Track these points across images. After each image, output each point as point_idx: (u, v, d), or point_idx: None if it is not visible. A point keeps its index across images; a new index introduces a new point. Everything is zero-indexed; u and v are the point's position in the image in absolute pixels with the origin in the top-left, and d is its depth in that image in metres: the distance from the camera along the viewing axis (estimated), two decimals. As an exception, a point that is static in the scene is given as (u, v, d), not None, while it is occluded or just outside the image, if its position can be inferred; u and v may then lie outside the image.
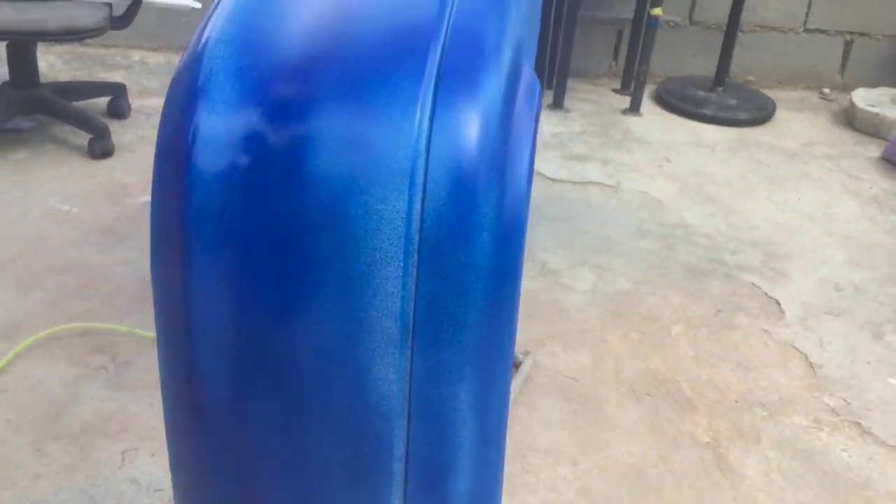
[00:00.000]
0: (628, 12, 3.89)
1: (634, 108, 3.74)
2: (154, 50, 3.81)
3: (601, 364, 2.19)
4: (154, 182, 0.99)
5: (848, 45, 4.12)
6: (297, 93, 0.92)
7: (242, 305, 0.96)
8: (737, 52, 3.97)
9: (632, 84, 3.77)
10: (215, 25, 1.00)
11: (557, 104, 3.71)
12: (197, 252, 0.94)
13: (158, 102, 3.34)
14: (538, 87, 0.99)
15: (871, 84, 4.03)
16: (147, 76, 3.58)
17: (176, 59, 3.75)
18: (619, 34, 4.02)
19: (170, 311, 1.00)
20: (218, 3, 1.06)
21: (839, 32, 4.09)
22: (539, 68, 2.58)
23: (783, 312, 2.46)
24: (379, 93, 0.90)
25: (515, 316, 0.98)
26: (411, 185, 0.89)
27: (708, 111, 3.74)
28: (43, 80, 3.00)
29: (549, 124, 3.56)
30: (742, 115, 3.74)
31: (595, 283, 2.53)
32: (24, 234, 2.44)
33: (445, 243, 0.90)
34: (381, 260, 0.91)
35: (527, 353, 2.18)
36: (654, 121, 3.70)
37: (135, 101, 3.25)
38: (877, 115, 3.68)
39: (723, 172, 3.29)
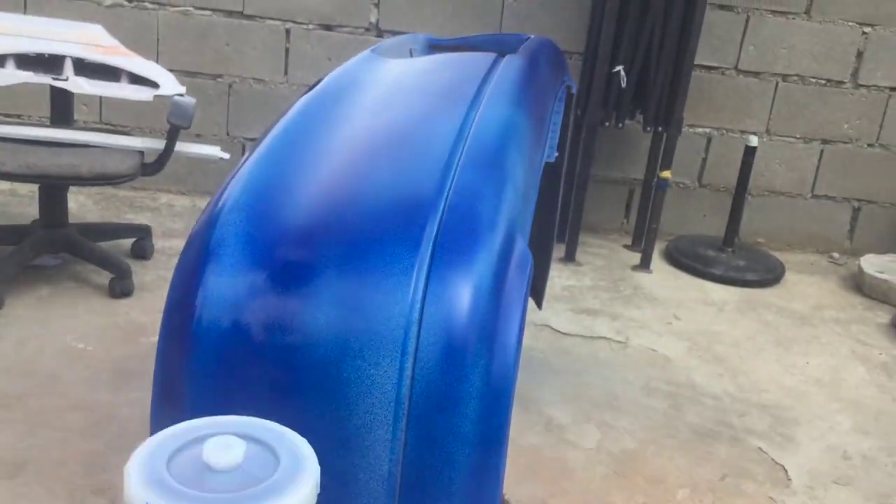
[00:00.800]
0: (639, 173, 4.02)
1: (645, 265, 3.81)
2: (182, 193, 3.96)
3: (603, 526, 2.15)
4: (161, 335, 1.04)
5: (856, 212, 4.22)
6: (300, 261, 0.98)
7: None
8: (746, 214, 4.08)
9: (642, 241, 3.86)
10: (231, 193, 1.07)
11: (569, 258, 3.79)
12: (198, 404, 0.98)
13: (181, 245, 3.45)
14: (530, 260, 1.05)
15: (880, 250, 4.09)
16: (173, 218, 3.71)
17: (202, 203, 3.90)
18: (631, 193, 4.15)
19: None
20: (236, 171, 1.14)
21: (846, 199, 4.19)
22: (549, 224, 2.67)
23: (790, 480, 2.43)
24: (376, 263, 0.96)
25: (501, 481, 1.00)
26: (403, 353, 0.93)
27: (717, 271, 3.80)
28: (71, 219, 3.12)
29: (561, 277, 3.63)
30: (751, 276, 3.79)
31: (601, 440, 2.52)
32: (38, 371, 2.48)
33: (434, 410, 0.93)
34: (371, 423, 0.94)
35: (528, 512, 2.15)
36: (663, 278, 3.76)
37: (159, 242, 3.36)
38: (885, 281, 3.73)
39: (731, 332, 3.31)
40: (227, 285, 0.98)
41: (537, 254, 2.72)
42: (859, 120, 4.06)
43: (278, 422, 0.97)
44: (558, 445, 2.47)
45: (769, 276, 3.83)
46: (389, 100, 1.26)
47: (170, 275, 2.94)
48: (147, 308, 2.92)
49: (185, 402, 1.00)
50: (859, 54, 3.96)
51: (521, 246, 1.04)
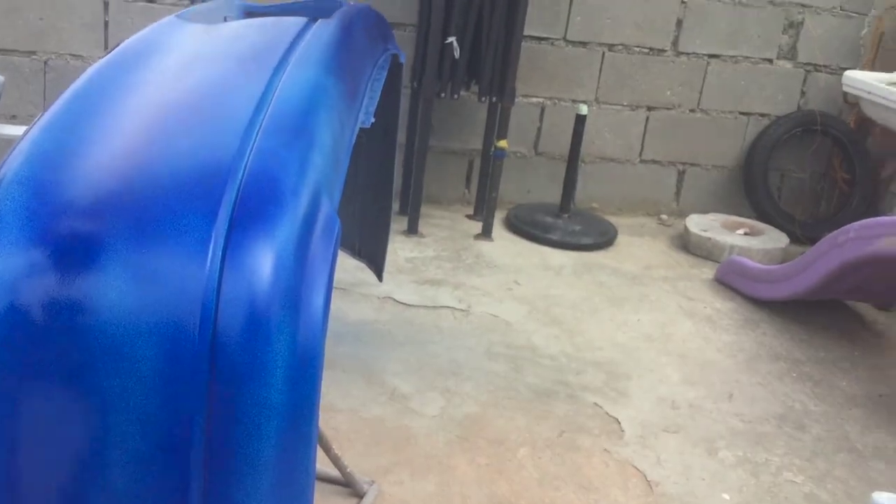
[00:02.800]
0: (478, 143, 4.07)
1: (486, 234, 3.87)
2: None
3: (448, 491, 2.19)
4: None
5: (681, 175, 4.43)
6: (86, 234, 0.93)
7: (31, 454, 0.93)
8: (580, 180, 4.21)
9: (483, 210, 3.92)
10: (11, 165, 1.00)
11: (412, 230, 3.80)
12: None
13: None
14: (336, 225, 1.03)
15: (704, 210, 4.32)
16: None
17: None
18: (471, 163, 4.20)
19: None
20: (17, 143, 1.06)
21: (671, 163, 4.39)
22: (385, 194, 2.65)
23: (623, 431, 2.54)
24: (170, 233, 0.92)
25: (313, 453, 0.99)
26: (202, 326, 0.90)
27: (554, 236, 3.91)
28: None
29: (404, 250, 3.64)
30: (586, 240, 3.93)
31: (444, 406, 2.55)
32: None
33: (238, 382, 0.91)
34: (172, 399, 0.91)
35: (371, 482, 2.16)
36: (504, 245, 3.84)
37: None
38: (709, 239, 3.94)
39: (568, 295, 3.42)
40: (7, 264, 0.92)
41: (373, 225, 2.70)
42: (681, 87, 4.26)
43: (71, 410, 0.92)
44: (402, 415, 2.49)
45: (603, 239, 3.98)
46: (190, 66, 1.21)
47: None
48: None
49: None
50: (679, 23, 4.14)
51: (327, 210, 1.03)
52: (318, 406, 0.96)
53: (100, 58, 1.31)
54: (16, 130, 2.87)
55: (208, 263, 0.91)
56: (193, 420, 0.90)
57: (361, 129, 2.53)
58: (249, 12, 1.88)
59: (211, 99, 1.11)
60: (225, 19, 1.77)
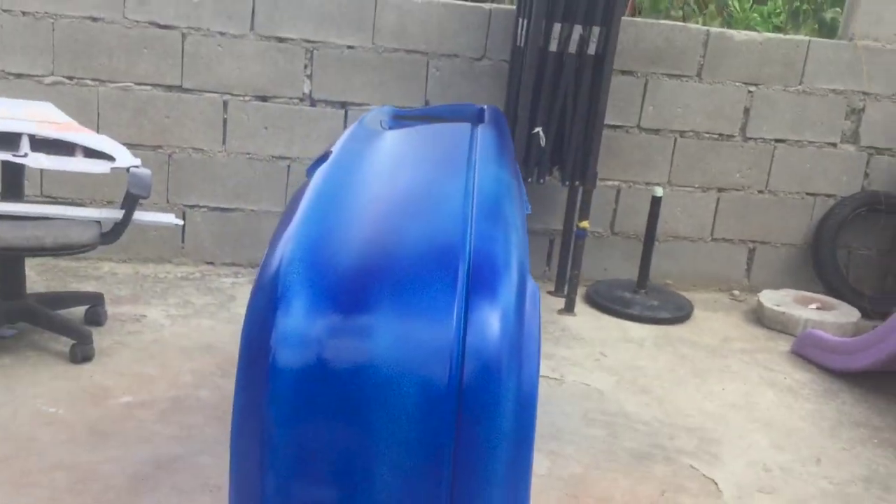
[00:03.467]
0: (558, 224, 4.34)
1: (569, 309, 4.11)
2: (123, 262, 4.06)
3: (563, 542, 2.38)
4: (239, 372, 1.24)
5: (751, 252, 4.65)
6: (359, 301, 1.20)
7: (314, 476, 1.18)
8: (655, 258, 4.44)
9: (565, 287, 4.17)
10: (285, 249, 1.29)
11: (499, 307, 4.05)
12: (277, 429, 1.18)
13: (132, 310, 3.56)
14: (538, 292, 1.30)
15: (775, 286, 4.52)
16: (118, 286, 3.81)
17: (144, 270, 4.01)
18: (551, 242, 4.47)
19: (247, 482, 1.21)
20: (282, 231, 1.35)
21: (742, 241, 4.62)
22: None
23: (721, 492, 2.72)
24: (422, 299, 1.19)
25: (530, 473, 1.23)
26: (451, 369, 1.16)
27: (634, 311, 4.13)
28: (29, 290, 3.21)
29: (494, 325, 3.88)
30: (664, 314, 4.14)
31: (550, 467, 2.76)
32: (14, 435, 2.57)
33: (480, 415, 1.16)
34: (427, 431, 1.16)
35: (496, 533, 2.36)
36: (587, 320, 4.07)
37: (109, 309, 3.46)
38: (783, 313, 4.13)
39: (653, 366, 3.62)
40: (296, 325, 1.19)
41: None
42: (750, 169, 4.51)
43: (349, 438, 1.17)
44: (514, 474, 2.69)
45: (680, 313, 4.19)
46: (399, 166, 1.50)
47: (125, 339, 3.07)
48: (110, 371, 3.03)
49: (265, 427, 1.19)
50: (746, 111, 4.42)
51: (531, 280, 1.29)
52: (534, 433, 1.21)
53: (314, 160, 1.60)
54: (159, 218, 3.21)
55: (454, 322, 1.17)
56: (444, 445, 1.14)
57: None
58: (398, 116, 2.19)
59: (426, 192, 1.39)
60: (381, 123, 2.09)
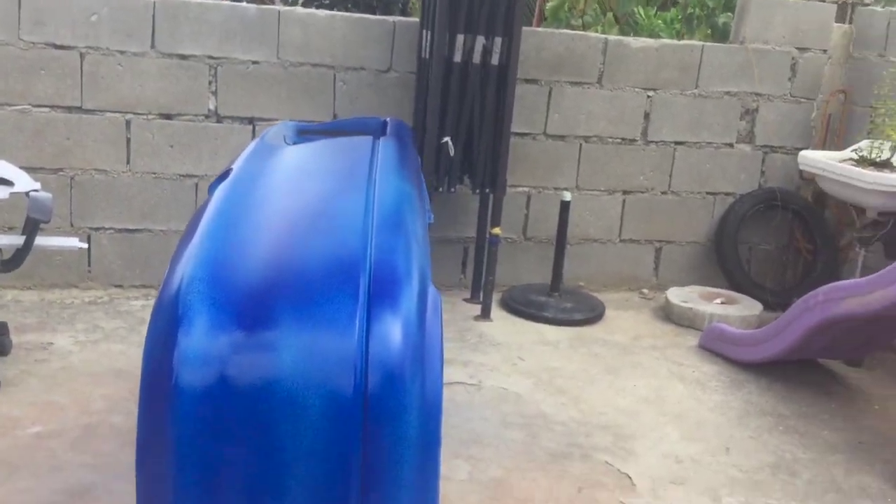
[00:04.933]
0: (471, 231, 4.40)
1: (485, 315, 4.17)
2: (28, 288, 3.94)
3: (485, 545, 2.42)
4: (141, 394, 1.23)
5: (658, 252, 4.79)
6: (262, 317, 1.22)
7: (223, 494, 1.19)
8: (567, 261, 4.54)
9: (481, 293, 4.22)
10: (187, 268, 1.29)
11: (416, 316, 4.07)
12: (184, 449, 1.18)
13: (38, 338, 3.46)
14: (440, 299, 1.33)
15: (682, 283, 4.67)
16: (23, 314, 3.70)
17: (50, 296, 3.90)
18: (466, 250, 4.52)
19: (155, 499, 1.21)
20: (182, 250, 1.35)
21: (649, 241, 4.76)
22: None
23: (635, 485, 2.80)
24: (325, 311, 1.21)
25: (438, 477, 1.26)
26: (356, 378, 1.18)
27: (549, 314, 4.21)
28: (-78, 322, 3.09)
29: (411, 335, 3.91)
30: (578, 316, 4.23)
31: (471, 471, 2.80)
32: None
33: (385, 422, 1.19)
34: (334, 438, 1.18)
35: (418, 540, 2.38)
36: (503, 325, 4.13)
37: (15, 338, 3.36)
38: (690, 309, 4.27)
39: (568, 366, 3.70)
40: (198, 344, 1.20)
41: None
42: (652, 171, 4.65)
43: (257, 453, 1.18)
44: (434, 481, 2.72)
45: (593, 314, 4.29)
46: (299, 181, 1.52)
47: (32, 368, 3.00)
48: (17, 401, 2.94)
49: (171, 448, 1.19)
50: (646, 115, 4.56)
51: (431, 289, 1.32)
52: (441, 438, 1.24)
53: (216, 177, 1.60)
54: (62, 242, 3.14)
55: (356, 333, 1.19)
56: (352, 454, 1.16)
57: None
58: (302, 130, 2.20)
59: (327, 206, 1.41)
60: (284, 139, 2.09)
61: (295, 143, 1.80)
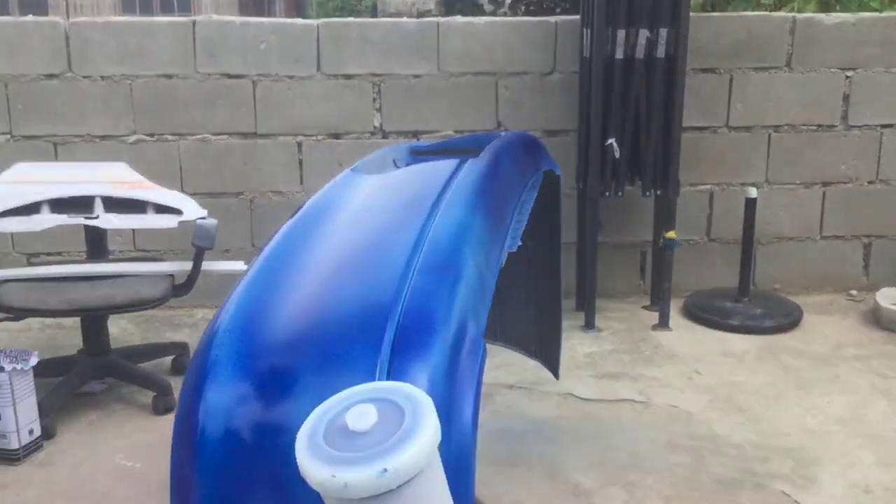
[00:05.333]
0: (648, 235, 4.16)
1: (663, 324, 3.92)
2: (217, 307, 4.17)
3: (633, 584, 2.24)
4: (173, 445, 1.21)
5: (867, 248, 4.30)
6: (281, 371, 1.15)
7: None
8: (760, 262, 4.19)
9: (659, 300, 3.98)
10: (224, 317, 1.26)
11: (589, 325, 3.91)
12: (209, 501, 1.14)
13: (217, 356, 3.64)
14: (481, 346, 1.21)
15: (896, 282, 4.17)
16: (208, 332, 3.92)
17: (235, 314, 4.10)
18: (643, 255, 4.28)
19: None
20: (229, 296, 1.32)
21: (856, 237, 4.28)
22: (554, 297, 2.80)
23: (814, 519, 2.50)
24: (345, 366, 1.13)
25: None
26: (373, 440, 1.08)
27: (735, 321, 3.89)
28: (115, 343, 3.34)
29: (582, 345, 3.75)
30: (768, 323, 3.88)
31: (627, 500, 2.61)
32: (91, 492, 2.66)
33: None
34: (353, 504, 1.09)
35: (557, 577, 2.25)
36: (683, 334, 3.87)
37: (196, 357, 3.56)
38: (902, 312, 3.80)
39: (752, 381, 3.39)
40: (223, 397, 1.16)
41: (546, 326, 2.85)
42: (855, 160, 4.18)
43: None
44: (585, 510, 2.57)
45: (786, 320, 3.91)
46: (360, 218, 1.45)
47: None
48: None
49: (196, 496, 1.16)
50: (845, 98, 4.11)
51: (472, 334, 1.20)
52: (473, 494, 1.12)
53: (290, 216, 1.57)
54: (227, 266, 3.28)
55: (374, 388, 1.10)
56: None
57: (528, 238, 2.73)
58: (416, 151, 2.13)
59: (375, 246, 1.33)
60: (394, 163, 2.04)
61: (384, 171, 1.74)
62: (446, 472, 1.09)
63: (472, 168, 1.64)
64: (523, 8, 6.66)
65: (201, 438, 1.15)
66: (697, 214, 4.23)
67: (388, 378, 1.12)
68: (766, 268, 4.28)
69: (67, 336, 3.86)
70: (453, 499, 1.10)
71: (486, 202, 1.53)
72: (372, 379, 1.12)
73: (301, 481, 1.11)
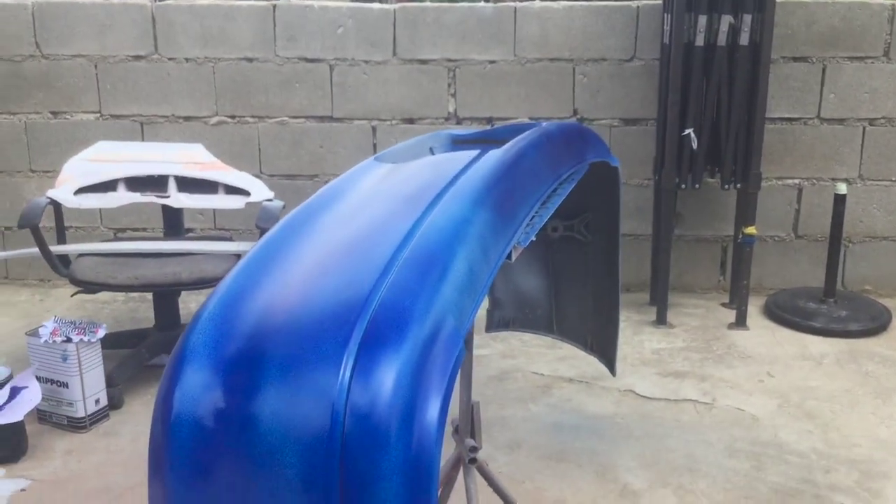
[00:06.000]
0: (729, 229, 4.01)
1: (740, 322, 3.77)
2: (289, 287, 4.25)
3: (669, 591, 2.17)
4: (152, 420, 1.23)
5: (969, 250, 4.03)
6: (249, 360, 1.16)
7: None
8: (850, 262, 3.99)
9: (738, 298, 3.83)
10: (207, 305, 1.26)
11: (661, 321, 3.80)
12: (178, 484, 1.16)
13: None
14: (458, 345, 1.18)
15: None
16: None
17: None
18: (724, 250, 4.13)
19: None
20: (218, 285, 1.33)
21: (957, 237, 4.02)
22: (611, 292, 2.72)
23: (874, 537, 2.36)
24: (311, 357, 1.12)
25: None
26: (331, 436, 1.08)
27: (817, 323, 3.71)
28: (186, 320, 3.45)
29: (651, 341, 3.65)
30: (853, 326, 3.68)
31: (674, 505, 2.53)
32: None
33: (361, 484, 1.07)
34: (310, 499, 1.09)
35: (589, 578, 2.20)
36: (760, 334, 3.71)
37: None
38: None
39: (827, 387, 3.23)
40: (196, 385, 1.17)
41: (603, 320, 2.78)
42: (960, 155, 3.92)
43: (233, 497, 1.13)
44: (630, 511, 2.50)
45: (874, 324, 3.71)
46: (360, 208, 1.43)
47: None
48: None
49: (168, 481, 1.18)
50: (951, 89, 3.85)
51: (449, 332, 1.17)
52: (436, 495, 1.10)
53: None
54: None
55: (338, 383, 1.09)
56: (326, 514, 1.07)
57: (588, 229, 2.65)
58: (457, 139, 2.10)
59: (366, 238, 1.31)
60: (431, 150, 2.01)
61: (405, 160, 1.72)
62: (409, 472, 1.07)
63: (490, 159, 1.60)
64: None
65: (176, 420, 1.17)
66: (784, 210, 4.05)
67: (354, 372, 1.10)
68: (856, 268, 4.06)
69: (149, 310, 4.00)
70: (413, 498, 1.08)
71: (496, 195, 1.49)
72: (336, 375, 1.10)
73: (261, 487, 1.11)
